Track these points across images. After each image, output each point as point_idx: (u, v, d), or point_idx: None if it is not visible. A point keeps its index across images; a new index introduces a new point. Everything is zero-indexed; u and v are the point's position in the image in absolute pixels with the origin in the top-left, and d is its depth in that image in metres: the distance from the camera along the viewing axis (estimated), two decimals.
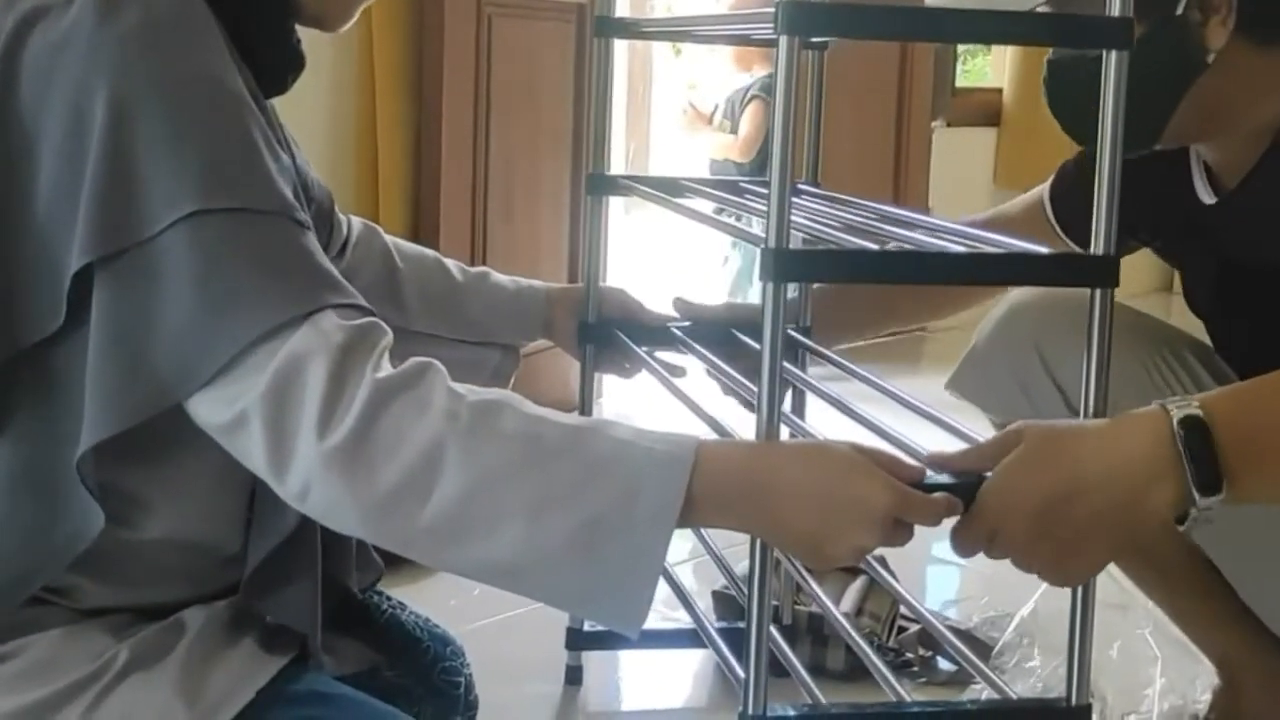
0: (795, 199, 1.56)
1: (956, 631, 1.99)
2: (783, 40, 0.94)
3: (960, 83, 5.09)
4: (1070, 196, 1.72)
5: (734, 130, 4.37)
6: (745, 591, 1.09)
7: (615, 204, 1.85)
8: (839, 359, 1.55)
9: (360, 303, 1.05)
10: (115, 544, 1.09)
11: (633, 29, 1.63)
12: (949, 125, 4.85)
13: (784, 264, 0.97)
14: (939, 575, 2.60)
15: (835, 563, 1.01)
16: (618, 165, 7.35)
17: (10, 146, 1.04)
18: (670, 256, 6.28)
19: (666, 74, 8.03)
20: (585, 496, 0.98)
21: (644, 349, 1.66)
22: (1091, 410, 1.06)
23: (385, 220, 2.91)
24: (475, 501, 0.98)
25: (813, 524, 1.01)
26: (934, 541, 2.60)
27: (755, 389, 1.06)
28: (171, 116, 1.01)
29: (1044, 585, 1.13)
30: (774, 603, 1.91)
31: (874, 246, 1.03)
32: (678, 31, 1.82)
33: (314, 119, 2.83)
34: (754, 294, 4.21)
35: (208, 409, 1.01)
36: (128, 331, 1.00)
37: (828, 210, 1.40)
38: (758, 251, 0.99)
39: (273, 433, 0.98)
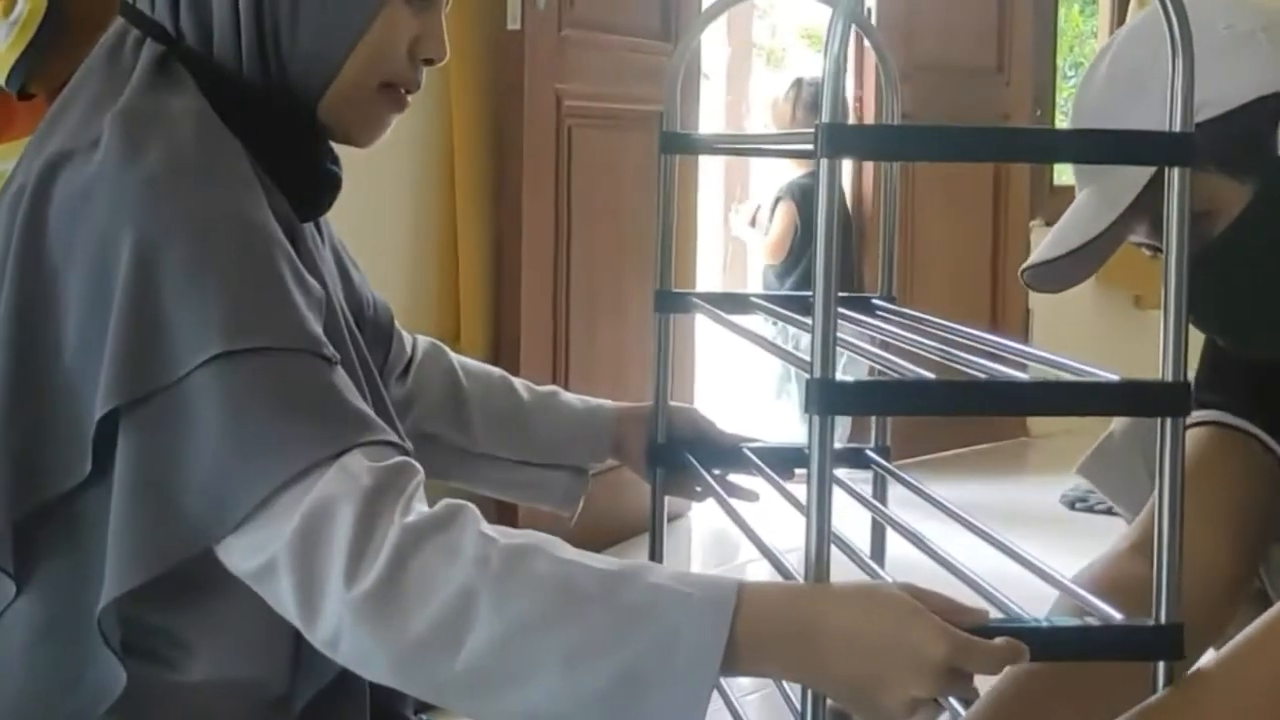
0: (867, 317, 1.51)
1: None
2: (823, 162, 0.91)
3: (1058, 180, 5.02)
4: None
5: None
6: None
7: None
8: (918, 486, 1.48)
9: (391, 439, 1.03)
10: (158, 687, 1.08)
11: (699, 145, 1.61)
12: (1048, 225, 4.77)
13: (829, 396, 0.93)
14: None
15: (888, 714, 0.96)
16: (713, 270, 7.36)
17: (38, 292, 1.04)
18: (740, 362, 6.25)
19: (761, 173, 8.04)
20: (622, 645, 0.94)
21: (715, 471, 1.61)
22: (1165, 541, 0.99)
23: (466, 335, 2.92)
24: (508, 651, 0.95)
25: (863, 673, 0.95)
26: None
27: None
28: (195, 258, 1.01)
29: None
30: None
31: (928, 374, 0.98)
32: (739, 148, 1.80)
33: (395, 234, 2.86)
34: (793, 391, 4.16)
35: (238, 555, 1.00)
36: (154, 477, 0.99)
37: (896, 331, 1.35)
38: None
39: (301, 581, 0.97)
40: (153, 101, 1.09)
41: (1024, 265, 1.33)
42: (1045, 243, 1.32)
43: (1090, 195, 1.28)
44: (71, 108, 1.12)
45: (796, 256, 4.36)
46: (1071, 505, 4.03)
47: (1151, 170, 1.15)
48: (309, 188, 1.18)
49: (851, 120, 4.58)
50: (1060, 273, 1.31)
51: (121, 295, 1.00)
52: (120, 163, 1.03)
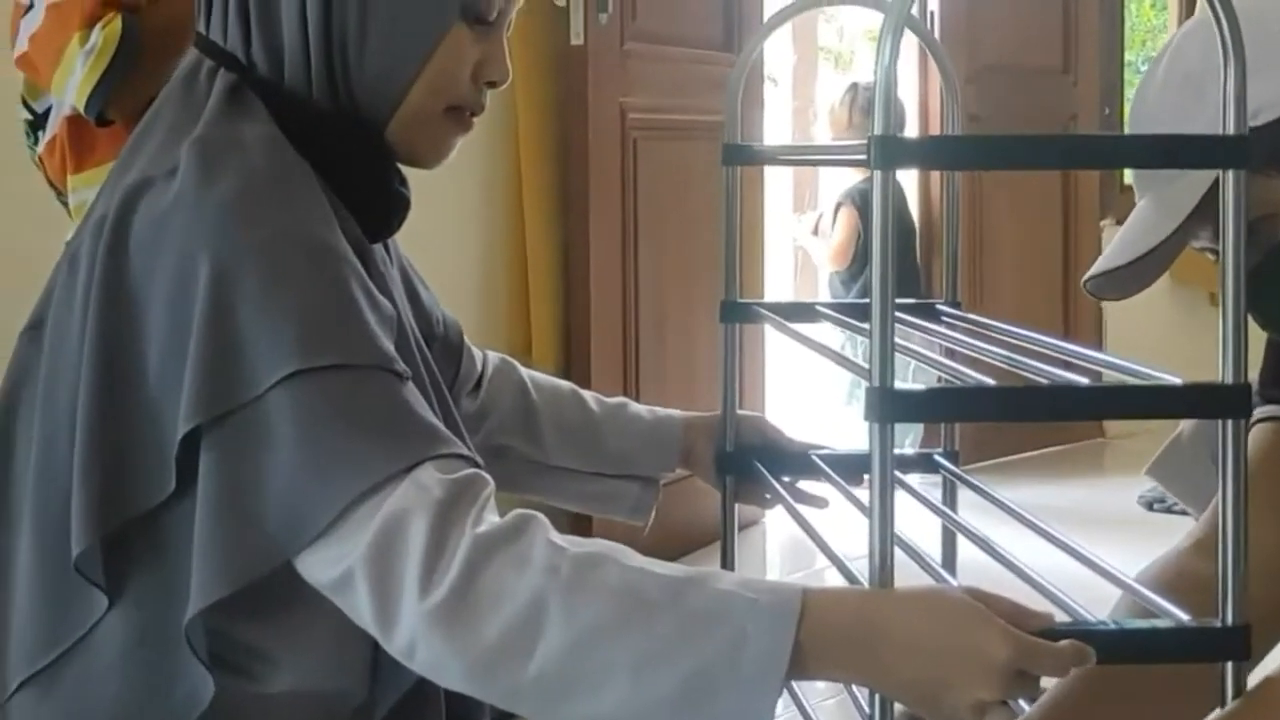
0: (931, 324, 1.51)
1: None
2: (876, 174, 0.92)
3: (1129, 179, 4.97)
4: None
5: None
6: None
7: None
8: (984, 489, 1.49)
9: (462, 452, 1.06)
10: (242, 699, 1.10)
11: (760, 156, 1.63)
12: (1119, 224, 4.73)
13: (889, 404, 0.94)
14: None
15: (953, 717, 0.97)
16: (784, 278, 7.35)
17: (121, 319, 1.07)
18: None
19: (829, 180, 8.01)
20: (689, 651, 0.96)
21: (784, 479, 1.62)
22: (1230, 542, 0.99)
23: (537, 349, 2.94)
24: (579, 657, 0.97)
25: (928, 676, 0.96)
26: None
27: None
28: (269, 279, 1.04)
29: None
30: None
31: (990, 381, 0.99)
32: (799, 159, 1.80)
33: (465, 250, 2.90)
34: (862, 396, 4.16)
35: (315, 567, 1.03)
36: (234, 493, 1.02)
37: (960, 337, 1.36)
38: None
39: (377, 591, 0.99)
40: (227, 129, 1.12)
41: (1086, 276, 1.33)
42: (1106, 252, 1.32)
43: (1149, 203, 1.28)
44: (150, 136, 1.16)
45: (861, 262, 4.36)
46: (1150, 506, 3.98)
47: (1211, 178, 1.15)
48: (378, 209, 1.21)
49: (915, 122, 4.57)
50: (1122, 281, 1.31)
51: (200, 318, 1.03)
52: (197, 189, 1.06)
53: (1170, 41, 1.33)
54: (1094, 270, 1.32)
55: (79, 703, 1.08)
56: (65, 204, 2.08)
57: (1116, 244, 1.30)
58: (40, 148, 2.10)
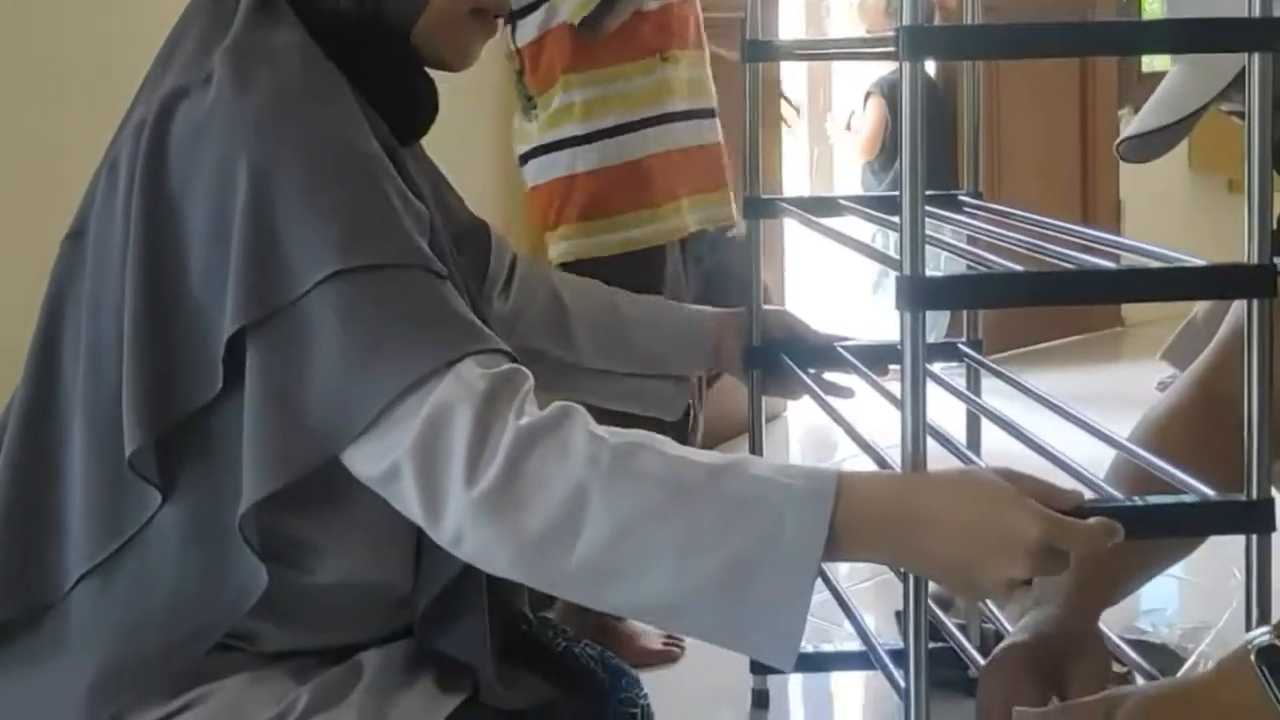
0: (955, 214, 1.53)
1: (1149, 645, 1.93)
2: (905, 65, 0.93)
3: (1147, 67, 4.93)
4: None
5: None
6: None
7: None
8: (1009, 375, 1.51)
9: (500, 347, 1.08)
10: (292, 589, 1.13)
11: (782, 52, 1.63)
12: (1136, 112, 4.70)
13: (920, 291, 0.96)
14: None
15: (986, 594, 1.00)
16: (800, 176, 7.32)
17: (164, 225, 1.09)
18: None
19: (848, 76, 7.92)
20: (728, 536, 0.98)
21: (810, 370, 1.64)
22: (1255, 419, 1.01)
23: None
24: (620, 544, 0.99)
25: (960, 555, 0.99)
26: None
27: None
28: (307, 182, 1.05)
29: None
30: (959, 622, 1.88)
31: (1017, 267, 1.01)
32: (821, 54, 1.80)
33: (479, 154, 2.90)
34: (889, 285, 4.21)
35: (362, 462, 1.05)
36: (280, 392, 1.04)
37: (984, 226, 1.38)
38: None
39: (424, 483, 1.02)
40: (258, 36, 1.13)
41: (1119, 139, 1.35)
42: (1143, 116, 1.33)
43: (1187, 68, 1.28)
44: (181, 47, 1.17)
45: (890, 153, 4.34)
46: (1166, 390, 4.01)
47: None
48: (407, 113, 1.22)
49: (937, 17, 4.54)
50: (1149, 145, 1.33)
51: (240, 221, 1.05)
52: (232, 96, 1.07)
53: None
54: (1130, 132, 1.34)
55: (137, 594, 1.11)
56: (534, 111, 2.38)
57: (1153, 107, 1.32)
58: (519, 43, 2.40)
